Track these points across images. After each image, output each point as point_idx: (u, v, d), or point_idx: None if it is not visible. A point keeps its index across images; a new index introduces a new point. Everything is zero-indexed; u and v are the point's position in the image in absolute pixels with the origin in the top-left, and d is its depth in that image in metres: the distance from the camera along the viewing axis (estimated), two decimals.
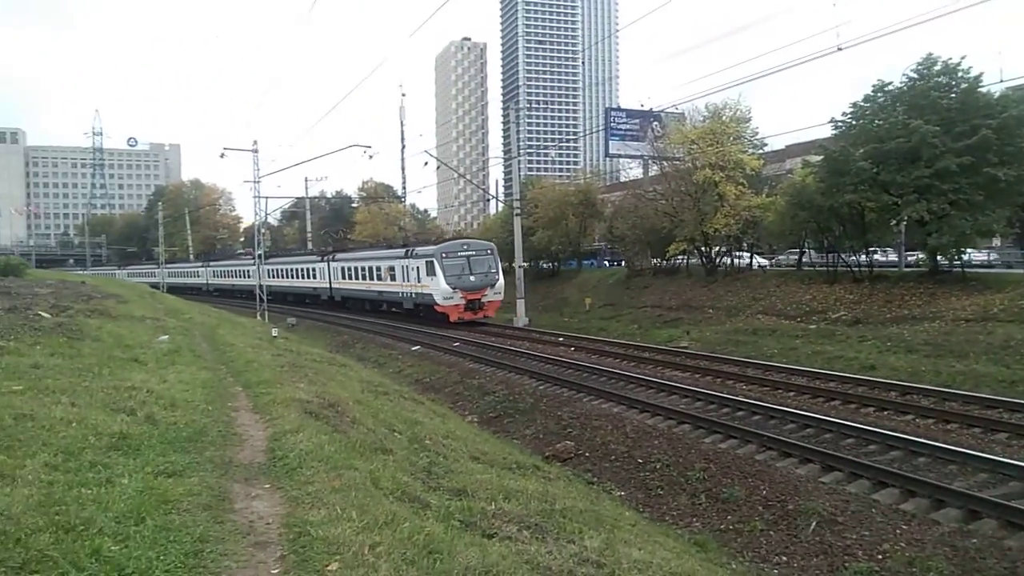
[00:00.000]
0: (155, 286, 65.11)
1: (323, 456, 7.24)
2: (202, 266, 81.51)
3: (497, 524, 6.56)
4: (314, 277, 55.93)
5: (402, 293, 42.36)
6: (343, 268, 49.50)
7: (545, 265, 54.57)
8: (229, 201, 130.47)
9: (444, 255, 38.81)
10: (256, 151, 46.08)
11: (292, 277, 60.52)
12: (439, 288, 37.94)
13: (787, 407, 17.16)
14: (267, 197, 75.58)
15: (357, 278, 39.99)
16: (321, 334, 40.80)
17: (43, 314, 17.54)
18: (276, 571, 4.59)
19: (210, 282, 75.35)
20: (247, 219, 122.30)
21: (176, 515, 5.16)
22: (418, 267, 39.92)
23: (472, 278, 38.57)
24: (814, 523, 11.07)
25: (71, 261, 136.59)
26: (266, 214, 67.65)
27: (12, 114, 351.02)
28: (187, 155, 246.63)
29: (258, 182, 47.59)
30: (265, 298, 44.99)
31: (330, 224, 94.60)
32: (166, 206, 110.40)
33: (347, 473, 6.74)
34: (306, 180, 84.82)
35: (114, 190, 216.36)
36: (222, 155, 46.26)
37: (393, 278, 43.04)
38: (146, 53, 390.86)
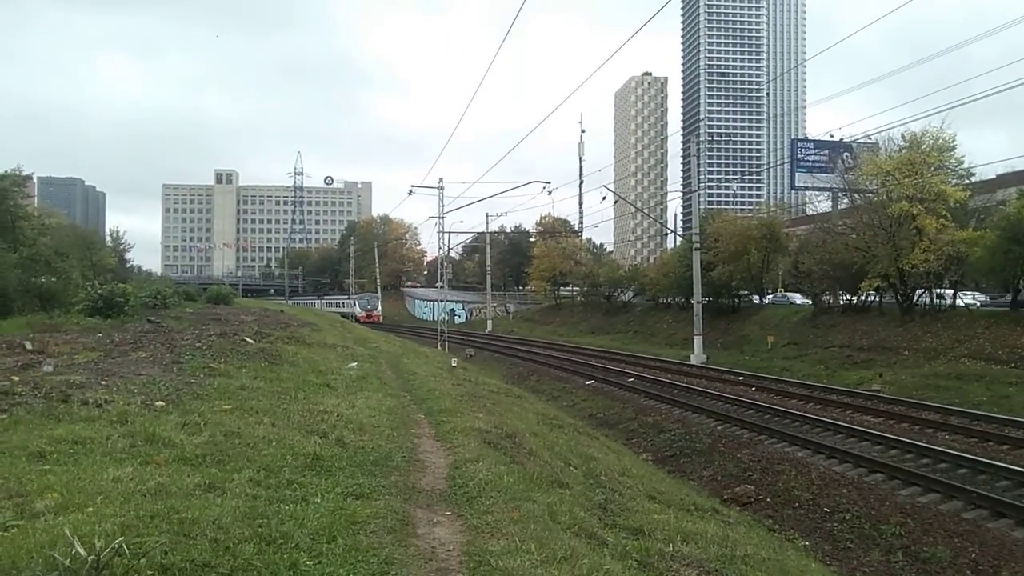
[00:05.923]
0: (344, 315, 79.11)
1: (502, 487, 7.36)
2: (347, 298, 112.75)
3: (675, 567, 6.38)
4: (318, 306, 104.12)
5: (351, 312, 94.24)
6: (328, 302, 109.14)
7: (724, 301, 52.87)
8: (415, 236, 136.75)
9: (359, 298, 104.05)
10: (441, 188, 48.07)
11: (311, 305, 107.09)
12: (356, 310, 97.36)
13: (1001, 462, 15.60)
14: (450, 232, 78.86)
15: (337, 307, 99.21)
16: (498, 365, 41.65)
17: (248, 340, 19.11)
18: None
19: (354, 311, 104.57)
20: (431, 253, 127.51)
21: (364, 536, 5.40)
22: (352, 303, 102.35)
23: (369, 307, 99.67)
24: None
25: (272, 292, 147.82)
26: (448, 248, 70.87)
27: (228, 154, 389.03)
28: (377, 192, 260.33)
29: (442, 218, 49.73)
30: (446, 331, 47.51)
31: (509, 257, 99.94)
32: (357, 240, 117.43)
33: (525, 505, 6.80)
34: (487, 215, 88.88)
35: (311, 225, 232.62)
36: (410, 192, 48.78)
37: (347, 306, 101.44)
38: (344, 98, 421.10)
